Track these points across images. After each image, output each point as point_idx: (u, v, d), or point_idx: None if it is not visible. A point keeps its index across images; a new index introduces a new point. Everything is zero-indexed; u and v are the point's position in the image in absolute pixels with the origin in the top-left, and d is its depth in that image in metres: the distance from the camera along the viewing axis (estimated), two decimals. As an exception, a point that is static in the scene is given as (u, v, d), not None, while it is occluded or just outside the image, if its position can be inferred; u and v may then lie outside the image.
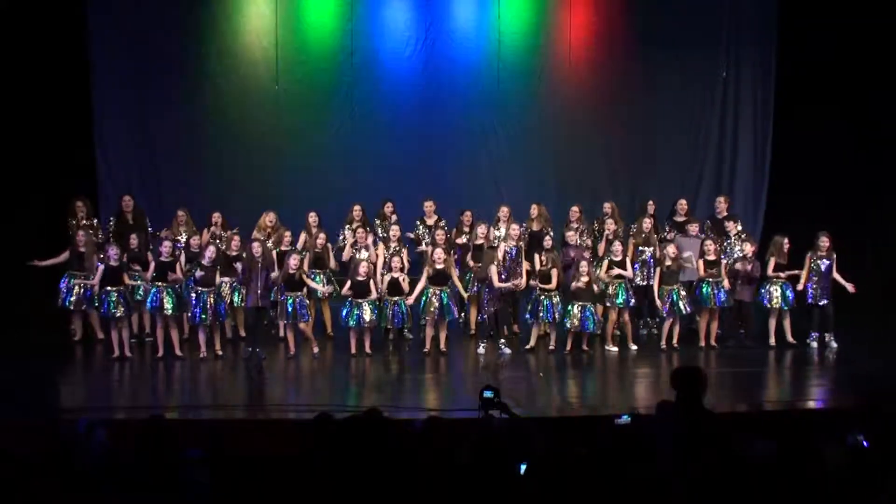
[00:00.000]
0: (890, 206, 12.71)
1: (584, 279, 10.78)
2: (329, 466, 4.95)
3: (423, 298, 10.77)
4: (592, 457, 4.79)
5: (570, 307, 10.83)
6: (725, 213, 12.05)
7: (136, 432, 5.31)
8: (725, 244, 11.63)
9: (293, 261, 10.62)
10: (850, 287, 11.09)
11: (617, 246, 11.19)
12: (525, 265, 11.13)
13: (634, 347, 11.08)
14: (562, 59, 14.06)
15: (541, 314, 10.88)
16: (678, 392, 5.58)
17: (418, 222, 12.08)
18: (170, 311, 10.49)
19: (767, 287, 11.22)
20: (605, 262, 11.15)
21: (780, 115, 14.06)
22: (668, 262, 10.96)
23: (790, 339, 11.20)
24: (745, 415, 8.70)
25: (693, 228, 11.64)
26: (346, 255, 11.47)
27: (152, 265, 10.63)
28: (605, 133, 14.13)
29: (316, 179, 13.49)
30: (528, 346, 11.06)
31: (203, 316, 10.47)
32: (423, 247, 11.66)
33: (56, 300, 10.94)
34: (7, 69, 11.88)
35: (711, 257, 11.08)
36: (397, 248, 11.36)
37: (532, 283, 11.07)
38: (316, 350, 10.81)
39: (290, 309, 10.59)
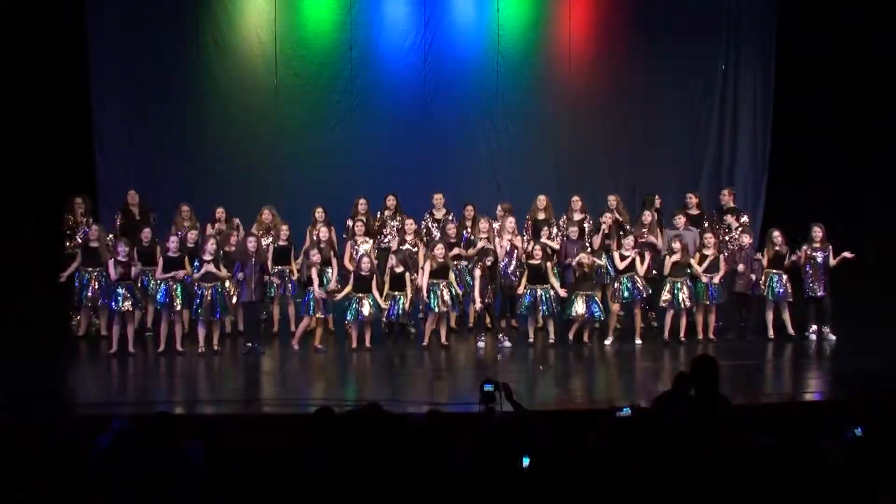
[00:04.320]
0: (889, 199, 12.70)
1: (582, 269, 10.83)
2: (329, 461, 4.96)
3: (433, 292, 10.79)
4: (595, 450, 4.80)
5: (573, 298, 10.86)
6: (731, 205, 12.04)
7: (139, 429, 5.33)
8: (727, 238, 11.64)
9: (314, 257, 10.78)
10: (847, 254, 11.00)
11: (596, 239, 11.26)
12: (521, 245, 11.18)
13: (639, 342, 11.05)
14: (562, 52, 14.06)
15: (541, 308, 10.88)
16: (697, 386, 5.51)
17: (427, 215, 12.07)
18: (179, 307, 10.57)
19: (762, 279, 11.21)
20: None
21: (779, 109, 14.05)
22: (677, 256, 10.97)
23: (790, 331, 11.17)
24: (743, 408, 8.69)
25: (680, 221, 11.62)
26: (347, 249, 11.47)
27: (161, 261, 10.65)
28: (604, 126, 14.14)
29: (315, 174, 13.49)
30: (528, 340, 11.06)
31: (199, 311, 10.52)
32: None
33: (71, 297, 10.98)
34: (6, 68, 11.86)
35: (709, 251, 11.08)
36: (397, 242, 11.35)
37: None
38: (318, 345, 10.82)
39: (311, 303, 10.67)
